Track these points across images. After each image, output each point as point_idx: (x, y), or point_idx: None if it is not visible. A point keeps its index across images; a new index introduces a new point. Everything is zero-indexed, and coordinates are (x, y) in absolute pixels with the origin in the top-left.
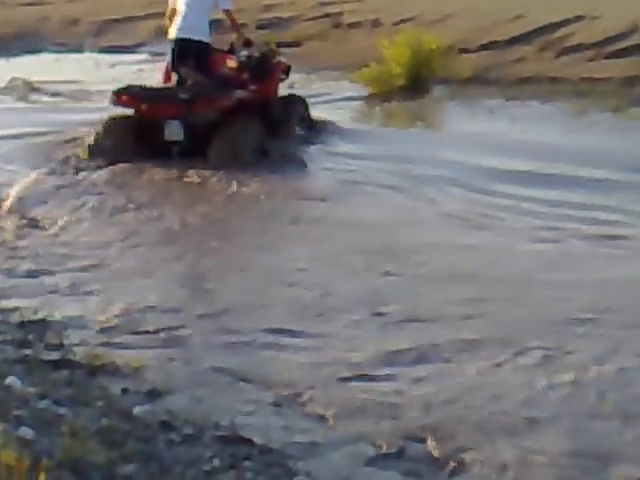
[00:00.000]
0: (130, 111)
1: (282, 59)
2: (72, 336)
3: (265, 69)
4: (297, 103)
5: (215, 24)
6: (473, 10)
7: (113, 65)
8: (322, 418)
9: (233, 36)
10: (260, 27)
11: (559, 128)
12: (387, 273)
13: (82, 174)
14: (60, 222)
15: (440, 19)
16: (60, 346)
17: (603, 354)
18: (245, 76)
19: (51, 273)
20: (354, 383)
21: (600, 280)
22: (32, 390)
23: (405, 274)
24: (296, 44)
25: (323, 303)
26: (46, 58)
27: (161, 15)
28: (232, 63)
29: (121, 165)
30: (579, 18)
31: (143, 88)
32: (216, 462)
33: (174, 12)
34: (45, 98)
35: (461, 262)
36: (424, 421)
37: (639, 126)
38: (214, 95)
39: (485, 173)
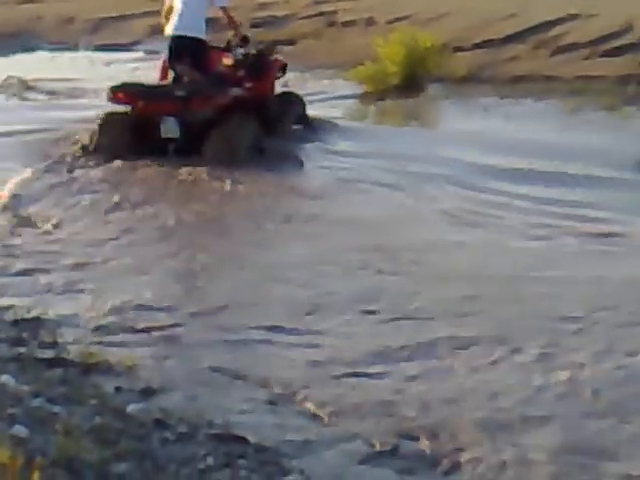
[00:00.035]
0: (126, 108)
1: (279, 57)
2: (66, 334)
3: (261, 67)
4: (293, 101)
5: (211, 22)
6: (468, 9)
7: (108, 63)
8: (316, 416)
9: (230, 33)
10: (254, 25)
11: (553, 126)
12: (382, 271)
13: (77, 172)
14: (54, 220)
15: (435, 17)
16: (54, 344)
17: (598, 352)
18: (241, 74)
19: (45, 271)
20: (348, 381)
21: (594, 278)
22: (26, 388)
23: (400, 272)
24: (290, 43)
25: (318, 301)
26: (41, 56)
27: (156, 13)
28: (228, 61)
29: (116, 162)
30: (574, 17)
31: (139, 85)
32: (210, 460)
33: (170, 10)
34: (40, 96)
35: (456, 260)
36: (418, 419)
37: (633, 124)
38: (210, 93)
39: (480, 171)
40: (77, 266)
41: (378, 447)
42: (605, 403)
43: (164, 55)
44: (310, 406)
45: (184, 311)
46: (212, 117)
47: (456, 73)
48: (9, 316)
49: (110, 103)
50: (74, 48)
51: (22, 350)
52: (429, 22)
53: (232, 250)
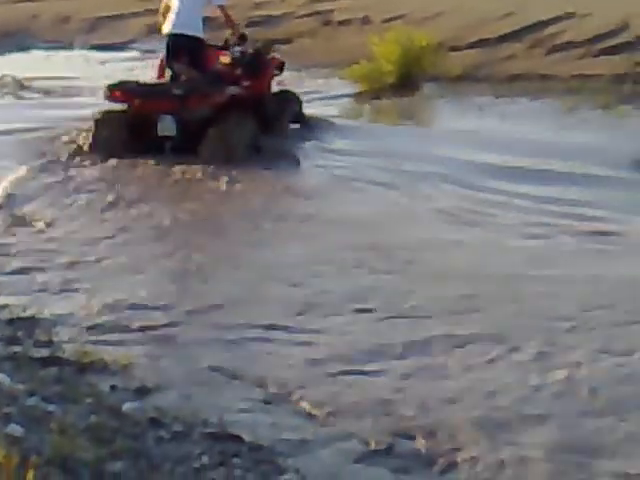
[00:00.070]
0: (123, 106)
1: (276, 55)
2: (61, 333)
3: (259, 65)
4: (290, 99)
5: (208, 21)
6: (463, 8)
7: (104, 62)
8: (311, 415)
9: (228, 32)
10: (250, 24)
11: (549, 125)
12: (377, 270)
13: (73, 170)
14: (50, 218)
15: (430, 16)
16: (49, 343)
17: (594, 350)
18: (238, 72)
19: (40, 270)
20: (344, 379)
21: (591, 276)
22: (21, 387)
23: (395, 271)
24: (286, 41)
25: (313, 300)
26: (37, 55)
27: (152, 12)
28: (226, 59)
29: (112, 161)
30: (569, 15)
31: (137, 84)
32: (205, 459)
33: (168, 9)
34: (35, 95)
35: (452, 258)
36: (414, 418)
37: (629, 123)
38: (207, 91)
39: (475, 169)
40: (72, 265)
41: (373, 446)
42: (602, 402)
43: (162, 53)
44: (305, 405)
45: (179, 310)
46: (209, 115)
47: (451, 72)
48: (4, 315)
49: (107, 101)
50: (70, 47)
51: (17, 349)
52: (425, 21)
53: (227, 249)
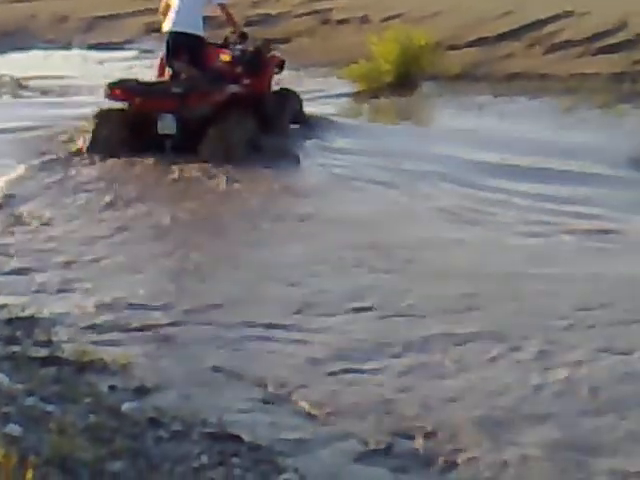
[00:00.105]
0: (123, 105)
1: (276, 53)
2: (60, 333)
3: (259, 63)
4: (291, 98)
5: (209, 19)
6: (461, 6)
7: (102, 62)
8: (311, 415)
9: (228, 30)
10: (248, 24)
11: (548, 124)
12: (377, 269)
13: (72, 169)
14: (48, 218)
15: (428, 15)
16: (48, 343)
17: (594, 349)
18: (239, 70)
19: (39, 270)
20: (343, 379)
21: (590, 275)
22: (20, 387)
23: (395, 270)
24: (285, 41)
25: (312, 299)
26: (35, 55)
27: (150, 12)
28: (226, 57)
29: (111, 160)
30: (568, 14)
31: (137, 82)
32: (204, 459)
33: (168, 7)
34: (33, 94)
35: (452, 257)
36: (413, 417)
37: (627, 122)
38: (207, 89)
39: (475, 168)
40: (71, 264)
41: (373, 446)
42: (601, 400)
43: (162, 52)
44: (304, 404)
45: (178, 310)
46: (209, 114)
47: (450, 71)
48: (3, 314)
49: (107, 100)
50: (68, 47)
51: (16, 348)
52: (423, 20)
53: (226, 249)
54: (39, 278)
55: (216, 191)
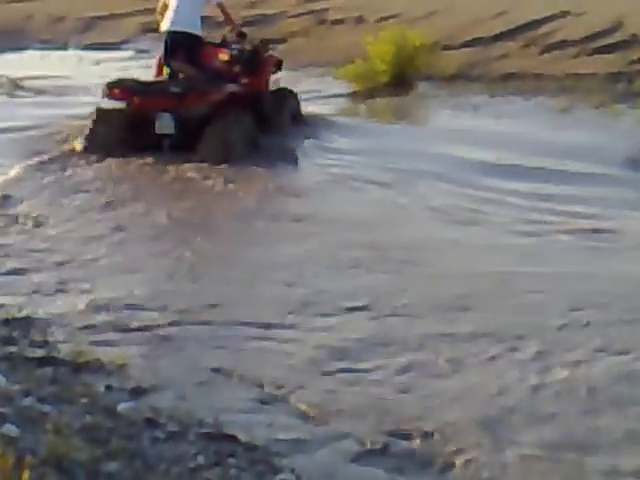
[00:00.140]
0: (122, 104)
1: (274, 53)
2: (57, 333)
3: (257, 63)
4: (289, 97)
5: (205, 19)
6: (457, 7)
7: (98, 62)
8: (307, 415)
9: (226, 30)
10: (244, 24)
11: (543, 124)
12: (373, 269)
13: (68, 169)
14: (45, 218)
15: (424, 16)
16: (45, 343)
17: (589, 349)
18: (237, 69)
19: (36, 270)
20: (339, 379)
21: (584, 274)
22: (16, 387)
23: (391, 269)
24: (281, 41)
25: (309, 299)
26: (31, 55)
27: (146, 12)
28: (224, 56)
29: (108, 160)
30: (563, 14)
31: (135, 81)
32: (201, 459)
33: (165, 7)
34: (30, 94)
35: (448, 257)
36: (409, 417)
37: (623, 122)
38: (205, 89)
39: (470, 168)
40: (68, 265)
41: (369, 446)
42: (598, 399)
43: (160, 52)
44: (301, 405)
45: (175, 310)
46: (207, 113)
47: (445, 71)
48: (0, 315)
49: (105, 99)
50: (64, 47)
51: (12, 349)
52: (418, 20)
53: (222, 249)
54: (35, 278)
55: (212, 191)
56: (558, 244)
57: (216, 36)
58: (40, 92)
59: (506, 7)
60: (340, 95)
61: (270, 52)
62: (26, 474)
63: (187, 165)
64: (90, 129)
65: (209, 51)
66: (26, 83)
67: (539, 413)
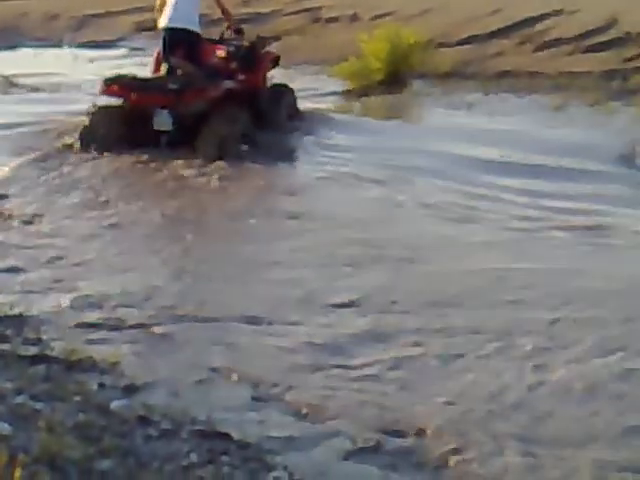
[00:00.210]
0: (119, 101)
1: (271, 49)
2: (50, 331)
3: (254, 59)
4: (286, 93)
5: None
6: (451, 4)
7: (92, 60)
8: (300, 412)
9: (223, 26)
10: (239, 22)
11: (538, 122)
12: (367, 265)
13: (62, 166)
14: (38, 215)
15: (418, 13)
16: (37, 341)
17: (584, 344)
18: (234, 66)
19: (28, 267)
20: (333, 376)
21: (579, 271)
22: (9, 385)
23: (387, 266)
24: (275, 39)
25: (302, 297)
26: (25, 53)
27: (140, 10)
28: (221, 53)
29: (103, 156)
30: (558, 12)
31: (133, 78)
32: (194, 457)
33: (164, 3)
34: (24, 91)
35: (443, 253)
36: (402, 415)
37: (617, 119)
38: (203, 85)
39: (465, 165)
40: (61, 262)
41: (362, 443)
42: (593, 396)
43: (157, 48)
44: (294, 402)
45: (168, 308)
46: (205, 109)
47: (440, 69)
48: None
49: (100, 96)
50: (58, 45)
51: (5, 347)
52: (413, 18)
53: (216, 246)
54: (28, 276)
55: (208, 188)
56: (553, 241)
57: (214, 32)
58: (34, 89)
59: (500, 5)
60: (334, 93)
61: (268, 48)
62: (18, 472)
63: (184, 162)
64: (87, 126)
65: (207, 48)
66: (20, 80)
67: (534, 410)
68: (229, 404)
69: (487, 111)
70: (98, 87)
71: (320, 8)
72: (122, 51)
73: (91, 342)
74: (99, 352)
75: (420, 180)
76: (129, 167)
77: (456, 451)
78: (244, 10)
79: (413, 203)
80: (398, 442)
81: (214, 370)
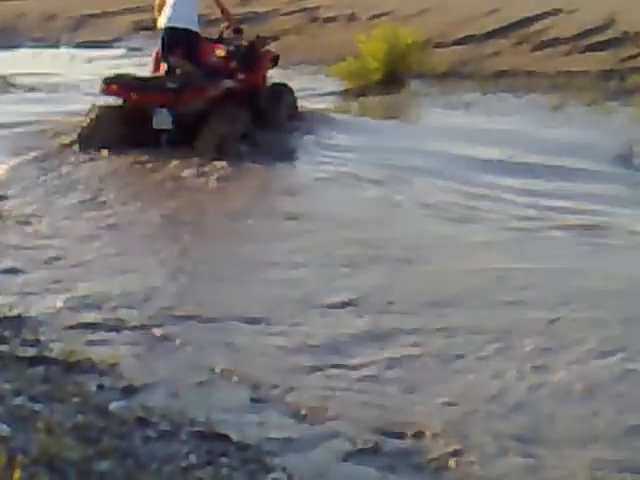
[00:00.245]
0: (119, 100)
1: (270, 48)
2: (48, 332)
3: (253, 58)
4: (285, 93)
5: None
6: (449, 4)
7: (90, 60)
8: (299, 414)
9: (222, 25)
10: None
11: (536, 121)
12: (365, 266)
13: (60, 165)
14: (36, 216)
15: (416, 13)
16: (36, 342)
17: (584, 345)
18: (233, 65)
19: (27, 268)
20: (332, 377)
21: (578, 271)
22: (8, 386)
23: (385, 266)
24: (273, 38)
25: (302, 297)
26: (23, 53)
27: (138, 10)
28: (221, 52)
29: (101, 156)
30: (555, 12)
31: (132, 77)
32: (192, 458)
33: (163, 3)
34: (22, 91)
35: (442, 253)
36: (401, 416)
37: (615, 119)
38: (202, 84)
39: (463, 165)
40: (59, 263)
41: (361, 445)
42: (593, 397)
43: (157, 47)
44: (293, 403)
45: (167, 308)
46: (204, 109)
47: (437, 69)
48: None
49: (103, 95)
50: (56, 45)
51: (4, 348)
52: (410, 18)
53: (215, 247)
54: (26, 277)
55: (207, 188)
56: (552, 240)
57: (212, 33)
58: (32, 89)
59: (498, 4)
60: (332, 93)
61: (267, 47)
62: (17, 473)
63: (183, 162)
64: (87, 126)
65: (206, 47)
66: (18, 80)
67: (534, 410)
68: (228, 405)
69: (485, 111)
70: (98, 87)
71: (318, 8)
72: (120, 51)
73: (90, 343)
74: (98, 353)
75: (418, 180)
76: (128, 167)
77: (455, 452)
78: (241, 10)
79: (412, 203)
80: (397, 443)
81: (213, 371)
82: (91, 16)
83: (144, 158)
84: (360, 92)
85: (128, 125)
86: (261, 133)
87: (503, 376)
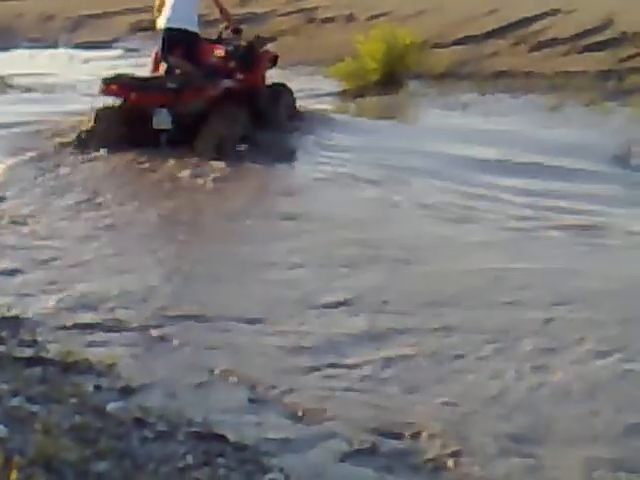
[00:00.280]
0: (119, 100)
1: (269, 49)
2: (45, 333)
3: (252, 58)
4: (284, 93)
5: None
6: (447, 5)
7: (88, 60)
8: (296, 414)
9: (221, 26)
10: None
11: (534, 122)
12: (363, 266)
13: (57, 166)
14: (33, 216)
15: (414, 14)
16: (33, 343)
17: (582, 345)
18: (232, 65)
19: (24, 269)
20: (329, 378)
21: (576, 271)
22: (5, 387)
23: (384, 267)
24: (270, 39)
25: (300, 297)
26: (21, 54)
27: (136, 11)
28: (220, 52)
29: (100, 156)
30: (554, 12)
31: (132, 77)
32: (190, 459)
33: (162, 3)
34: (19, 92)
35: (440, 254)
36: (399, 416)
37: (613, 120)
38: (202, 84)
39: (461, 165)
40: (57, 263)
41: (358, 445)
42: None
43: (157, 47)
44: (290, 404)
45: (164, 309)
46: (204, 109)
47: (435, 70)
48: None
49: (94, 96)
50: (54, 45)
51: (1, 349)
52: (409, 19)
53: (213, 247)
54: (24, 277)
55: (206, 188)
56: (550, 240)
57: (211, 33)
58: (30, 90)
59: (496, 5)
60: (330, 93)
61: (266, 47)
62: (14, 474)
63: (181, 162)
64: (87, 125)
65: (205, 47)
66: (15, 81)
67: (532, 411)
68: (225, 406)
69: (483, 111)
70: (96, 87)
71: (316, 8)
72: (118, 52)
73: (87, 344)
74: (95, 354)
75: (417, 180)
76: (126, 167)
77: (453, 452)
78: (240, 10)
79: (410, 203)
80: (395, 444)
81: (210, 371)
82: (89, 17)
83: (143, 158)
84: (358, 92)
85: (128, 125)
86: (260, 133)
87: (501, 376)
